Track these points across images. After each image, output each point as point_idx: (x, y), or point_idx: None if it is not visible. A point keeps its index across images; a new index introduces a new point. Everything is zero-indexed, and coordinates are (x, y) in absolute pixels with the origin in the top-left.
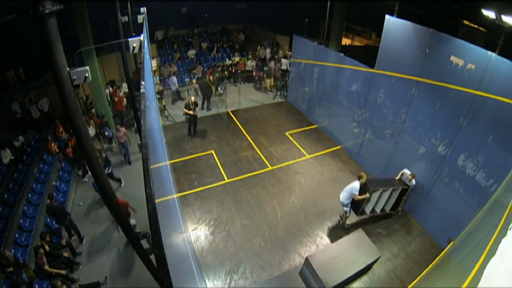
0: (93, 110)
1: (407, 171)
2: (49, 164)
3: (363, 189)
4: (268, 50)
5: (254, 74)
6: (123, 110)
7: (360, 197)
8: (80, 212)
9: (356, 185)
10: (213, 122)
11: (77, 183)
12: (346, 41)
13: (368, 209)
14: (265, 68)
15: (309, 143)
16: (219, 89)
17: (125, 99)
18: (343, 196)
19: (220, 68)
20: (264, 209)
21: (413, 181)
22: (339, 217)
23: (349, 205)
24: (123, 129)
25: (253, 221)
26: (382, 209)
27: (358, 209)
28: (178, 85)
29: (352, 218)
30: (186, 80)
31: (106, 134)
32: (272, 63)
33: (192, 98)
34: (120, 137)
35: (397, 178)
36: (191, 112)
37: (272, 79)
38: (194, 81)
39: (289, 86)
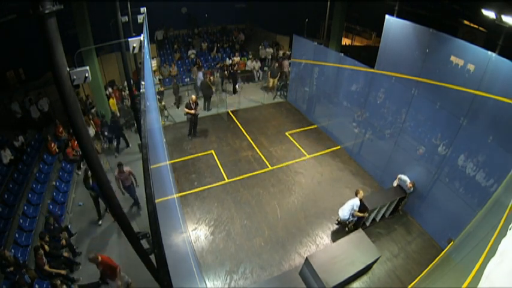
0: (93, 110)
1: (406, 179)
2: (49, 164)
3: (362, 205)
4: (268, 50)
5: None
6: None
7: (360, 214)
8: (80, 212)
9: (356, 201)
10: (213, 122)
11: (77, 183)
12: (346, 41)
13: (368, 222)
14: (265, 68)
15: (309, 143)
16: (236, 86)
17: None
18: (343, 213)
19: (210, 70)
20: (264, 209)
21: (412, 188)
22: (336, 222)
23: (350, 217)
24: (127, 169)
25: (253, 221)
26: (382, 216)
27: (359, 225)
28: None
29: None
30: (186, 79)
31: (106, 134)
32: (286, 62)
33: (193, 97)
34: (124, 180)
35: (394, 185)
36: (192, 111)
37: (276, 79)
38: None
39: (289, 86)
